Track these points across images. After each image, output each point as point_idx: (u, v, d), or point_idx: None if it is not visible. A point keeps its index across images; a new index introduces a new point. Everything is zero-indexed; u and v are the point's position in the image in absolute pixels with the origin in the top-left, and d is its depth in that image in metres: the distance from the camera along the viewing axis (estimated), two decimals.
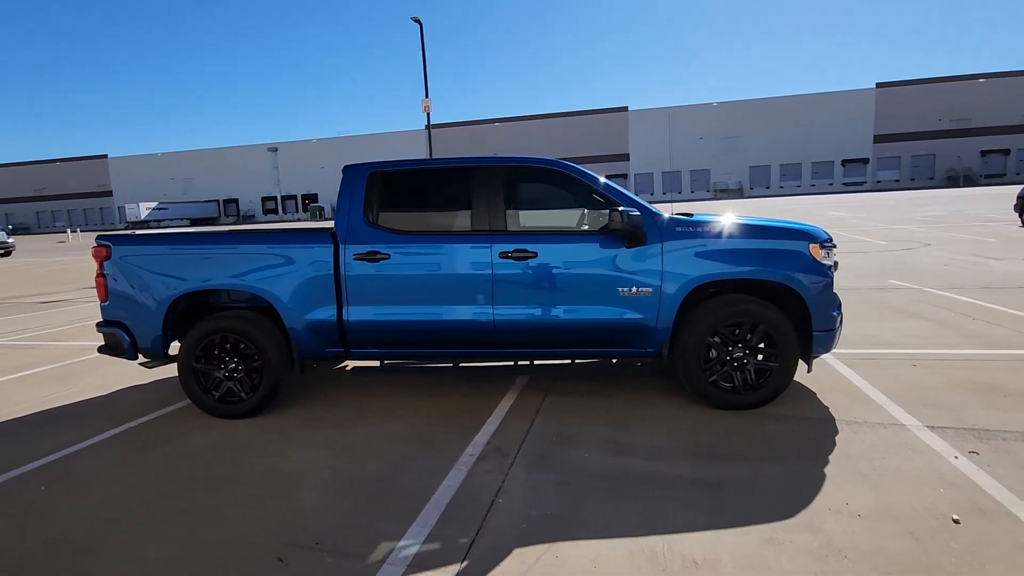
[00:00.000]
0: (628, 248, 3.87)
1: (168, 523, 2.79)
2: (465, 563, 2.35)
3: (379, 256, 3.99)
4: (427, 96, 23.92)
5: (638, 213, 3.77)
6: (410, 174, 4.21)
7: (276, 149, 76.80)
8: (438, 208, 4.23)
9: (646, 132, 68.62)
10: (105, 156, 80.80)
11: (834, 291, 4.01)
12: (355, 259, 4.00)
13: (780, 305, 3.91)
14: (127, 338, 4.21)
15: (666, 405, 4.06)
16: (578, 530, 2.56)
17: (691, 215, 4.20)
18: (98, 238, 4.25)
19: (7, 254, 31.36)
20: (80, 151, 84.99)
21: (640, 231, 3.82)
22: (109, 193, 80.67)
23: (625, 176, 69.01)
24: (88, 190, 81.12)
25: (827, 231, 4.21)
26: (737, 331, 3.87)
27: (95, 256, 4.21)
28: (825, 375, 4.56)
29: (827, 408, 3.90)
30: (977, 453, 3.13)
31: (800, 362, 3.91)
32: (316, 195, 76.07)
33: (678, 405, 4.04)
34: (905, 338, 5.55)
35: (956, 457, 3.09)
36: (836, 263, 4.10)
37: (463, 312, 4.00)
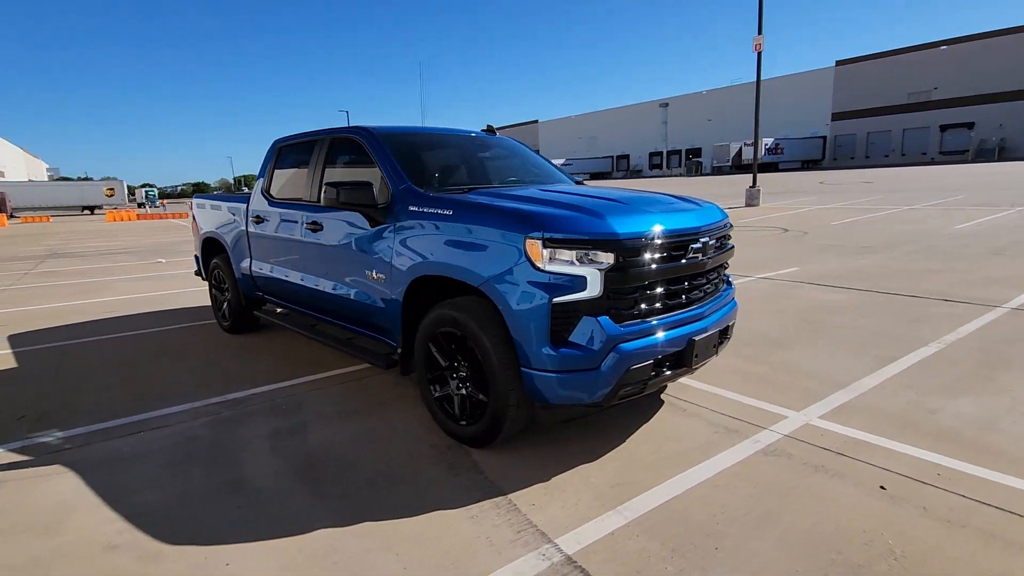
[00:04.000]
0: (371, 228, 3.44)
1: (71, 377, 4.43)
2: (49, 457, 3.11)
3: (260, 219, 4.70)
4: (760, 32, 20.56)
5: (363, 188, 3.31)
6: (293, 146, 4.63)
7: (667, 104, 78.59)
8: (296, 178, 4.52)
9: None
10: (536, 121, 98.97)
11: (590, 316, 2.58)
12: (252, 220, 4.82)
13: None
14: (199, 266, 6.22)
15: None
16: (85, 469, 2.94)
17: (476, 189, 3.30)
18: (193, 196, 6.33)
19: None
20: (523, 118, 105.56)
21: (369, 209, 3.37)
22: (538, 151, 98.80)
23: None
24: None
25: (618, 224, 2.65)
26: (452, 343, 3.01)
27: (190, 208, 6.30)
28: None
29: (540, 481, 2.68)
30: None
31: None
32: (700, 149, 74.90)
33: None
34: None
35: None
36: (615, 270, 2.59)
37: (294, 275, 4.34)
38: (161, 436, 3.35)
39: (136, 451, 3.16)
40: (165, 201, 69.26)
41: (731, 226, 3.42)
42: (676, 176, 67.37)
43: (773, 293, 6.52)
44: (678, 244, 2.82)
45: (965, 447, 2.84)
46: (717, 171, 63.94)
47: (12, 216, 40.02)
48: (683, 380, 3.91)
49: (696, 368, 2.98)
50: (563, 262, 2.57)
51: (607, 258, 2.59)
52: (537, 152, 4.99)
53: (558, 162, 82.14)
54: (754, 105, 20.67)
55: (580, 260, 2.58)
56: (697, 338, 2.89)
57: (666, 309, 2.84)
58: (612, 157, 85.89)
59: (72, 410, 3.79)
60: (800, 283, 6.98)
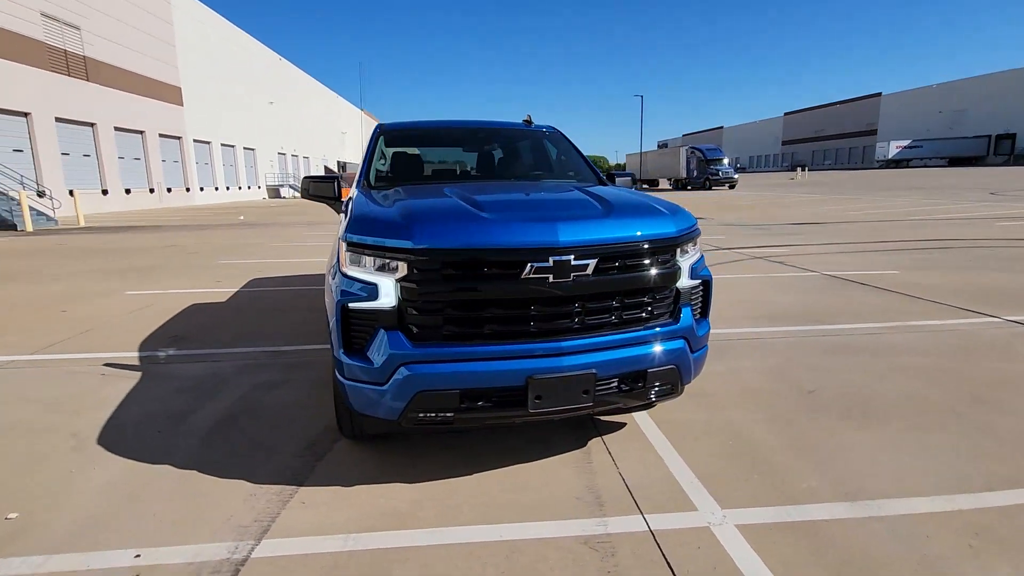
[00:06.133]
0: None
1: (234, 313, 6.04)
2: (103, 368, 4.47)
3: None
4: None
5: (325, 182, 3.63)
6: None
7: None
8: None
9: None
10: (879, 95, 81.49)
11: (385, 329, 2.41)
12: None
13: None
14: None
15: None
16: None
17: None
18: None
19: (732, 187, 40.02)
20: (860, 92, 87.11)
21: (331, 203, 3.70)
22: (875, 131, 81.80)
23: None
24: (856, 130, 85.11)
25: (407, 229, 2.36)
26: None
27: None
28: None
29: (345, 484, 2.65)
30: None
31: None
32: None
33: None
34: None
35: None
36: (408, 281, 2.35)
37: None
38: (206, 367, 4.38)
39: (181, 375, 4.23)
40: None
41: (672, 243, 2.61)
42: None
43: (983, 345, 4.44)
44: (509, 261, 2.35)
45: None
46: None
47: None
48: (647, 430, 3.15)
49: (541, 415, 2.44)
50: (363, 268, 2.46)
51: (402, 268, 2.37)
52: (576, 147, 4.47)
53: (899, 144, 66.64)
54: None
55: (379, 268, 2.43)
56: (540, 377, 2.37)
57: (496, 336, 2.41)
58: (988, 137, 65.16)
59: (201, 337, 5.21)
60: None
